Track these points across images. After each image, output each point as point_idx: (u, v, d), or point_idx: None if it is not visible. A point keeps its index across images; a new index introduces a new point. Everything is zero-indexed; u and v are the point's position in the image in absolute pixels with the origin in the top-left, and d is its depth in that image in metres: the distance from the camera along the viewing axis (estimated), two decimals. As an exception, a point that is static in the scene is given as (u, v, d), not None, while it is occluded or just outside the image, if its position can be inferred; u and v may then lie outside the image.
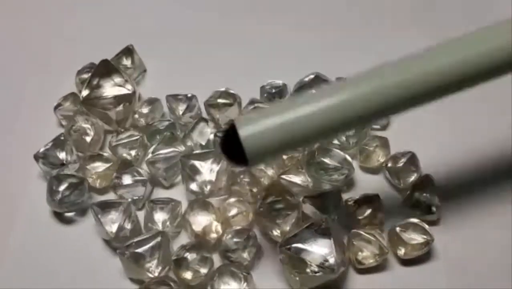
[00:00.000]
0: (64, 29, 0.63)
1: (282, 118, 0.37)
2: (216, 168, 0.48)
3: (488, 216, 0.49)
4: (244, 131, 0.37)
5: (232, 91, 0.54)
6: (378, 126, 0.54)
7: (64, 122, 0.53)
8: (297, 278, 0.43)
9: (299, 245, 0.43)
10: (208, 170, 0.48)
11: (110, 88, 0.51)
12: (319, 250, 0.43)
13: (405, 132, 0.54)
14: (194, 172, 0.48)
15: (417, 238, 0.46)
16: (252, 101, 0.53)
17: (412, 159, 0.50)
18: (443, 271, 0.46)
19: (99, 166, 0.50)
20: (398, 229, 0.46)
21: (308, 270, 0.42)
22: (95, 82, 0.51)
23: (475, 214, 0.49)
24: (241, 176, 0.48)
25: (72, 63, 0.57)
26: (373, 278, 0.46)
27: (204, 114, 0.54)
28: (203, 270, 0.44)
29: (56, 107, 0.53)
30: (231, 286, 0.43)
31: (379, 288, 0.45)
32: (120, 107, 0.51)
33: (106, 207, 0.47)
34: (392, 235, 0.46)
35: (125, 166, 0.50)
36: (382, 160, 0.51)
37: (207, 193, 0.48)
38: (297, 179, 0.48)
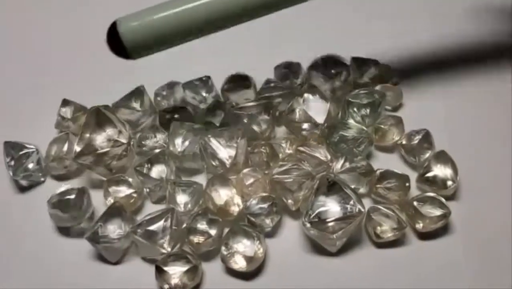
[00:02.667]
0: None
1: (159, 14, 0.43)
2: (234, 144, 0.48)
3: (504, 189, 0.48)
4: (122, 27, 0.43)
5: (246, 74, 0.54)
6: (390, 108, 0.54)
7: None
8: (330, 240, 0.44)
9: (320, 210, 0.43)
10: (226, 146, 0.48)
11: (103, 143, 0.48)
12: (336, 205, 0.43)
13: (419, 112, 0.54)
14: (213, 149, 0.48)
15: (434, 211, 0.45)
16: (268, 81, 0.53)
17: (426, 136, 0.50)
18: (460, 244, 0.45)
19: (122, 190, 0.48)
20: (415, 203, 0.46)
21: (333, 228, 0.43)
22: (86, 136, 0.48)
23: (490, 188, 0.48)
24: (261, 148, 0.49)
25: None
26: (392, 252, 0.45)
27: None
28: (212, 231, 0.44)
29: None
30: (244, 244, 0.44)
31: (398, 261, 0.45)
32: (115, 162, 0.49)
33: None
34: (409, 209, 0.46)
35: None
36: (397, 138, 0.51)
37: (228, 167, 0.47)
38: (316, 153, 0.48)
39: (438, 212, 0.45)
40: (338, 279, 0.44)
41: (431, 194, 0.46)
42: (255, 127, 0.50)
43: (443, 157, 0.48)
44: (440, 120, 0.53)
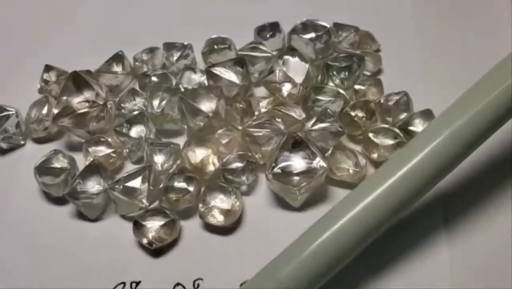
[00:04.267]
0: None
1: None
2: (214, 97, 0.48)
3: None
4: None
5: (225, 36, 0.55)
6: (369, 73, 0.54)
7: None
8: (293, 194, 0.44)
9: (283, 164, 0.44)
10: (206, 100, 0.48)
11: (81, 104, 0.48)
12: (301, 159, 0.44)
13: (398, 78, 0.54)
14: (194, 104, 0.48)
15: (388, 141, 0.47)
16: (252, 42, 0.54)
17: (405, 98, 0.50)
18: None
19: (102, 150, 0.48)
20: (370, 134, 0.47)
21: (296, 182, 0.43)
22: (64, 98, 0.48)
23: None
24: (237, 104, 0.49)
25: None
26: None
27: (201, 64, 0.55)
28: (190, 188, 0.44)
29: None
30: (221, 199, 0.44)
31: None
32: (94, 124, 0.49)
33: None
34: (366, 141, 0.48)
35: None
36: (376, 97, 0.51)
37: (211, 117, 0.47)
38: (291, 112, 0.48)
39: (392, 141, 0.47)
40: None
41: (385, 125, 0.48)
42: (232, 80, 0.50)
43: (428, 115, 0.49)
44: (419, 86, 0.53)
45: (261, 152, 0.47)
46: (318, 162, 0.44)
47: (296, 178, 0.44)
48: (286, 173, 0.44)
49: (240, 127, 0.48)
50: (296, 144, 0.44)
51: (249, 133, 0.47)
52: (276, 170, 0.44)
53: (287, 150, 0.44)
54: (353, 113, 0.48)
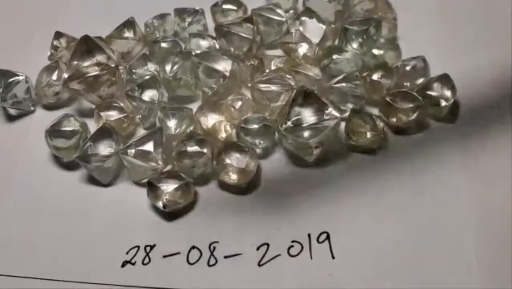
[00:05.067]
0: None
1: None
2: (228, 65, 0.47)
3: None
4: None
5: None
6: (384, 40, 0.53)
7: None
8: (307, 148, 0.43)
9: (296, 118, 0.43)
10: (221, 60, 0.47)
11: (92, 67, 0.47)
12: (313, 113, 0.43)
13: (416, 41, 0.52)
14: (209, 64, 0.47)
15: (406, 104, 0.46)
16: (270, 3, 0.53)
17: (422, 62, 0.49)
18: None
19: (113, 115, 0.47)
20: (388, 97, 0.46)
21: (309, 135, 0.42)
22: (75, 62, 0.47)
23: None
24: (249, 60, 0.48)
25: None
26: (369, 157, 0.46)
27: (211, 23, 0.54)
28: (204, 150, 0.43)
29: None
30: (236, 158, 0.43)
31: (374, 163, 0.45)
32: (105, 88, 0.48)
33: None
34: (383, 105, 0.46)
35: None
36: (394, 62, 0.50)
37: (228, 76, 0.46)
38: (310, 72, 0.47)
39: (410, 104, 0.45)
40: (323, 188, 0.44)
41: (403, 89, 0.46)
42: (242, 34, 0.49)
43: (445, 80, 0.47)
44: (436, 50, 0.51)
45: (270, 107, 0.45)
46: (330, 113, 0.43)
47: (309, 131, 0.43)
48: (299, 127, 0.43)
49: (249, 84, 0.47)
50: (307, 98, 0.43)
51: (258, 88, 0.46)
52: (289, 124, 0.43)
53: (298, 104, 0.43)
54: (372, 76, 0.47)
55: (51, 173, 0.46)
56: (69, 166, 0.46)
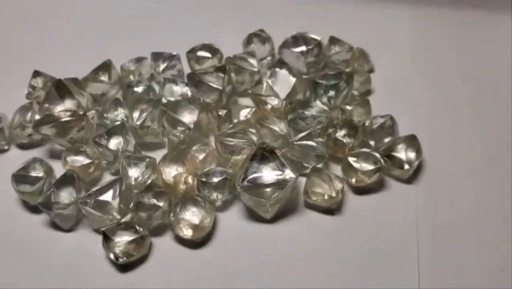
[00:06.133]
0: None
1: None
2: (195, 109, 0.48)
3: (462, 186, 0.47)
4: None
5: (214, 46, 0.54)
6: (357, 93, 0.53)
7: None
8: (263, 206, 0.44)
9: (253, 176, 0.43)
10: (188, 112, 0.48)
11: (61, 113, 0.48)
12: (271, 171, 0.43)
13: (388, 100, 0.53)
14: (175, 115, 0.48)
15: (367, 166, 0.46)
16: (244, 52, 0.54)
17: (390, 122, 0.49)
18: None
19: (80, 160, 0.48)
20: (350, 158, 0.46)
21: (266, 193, 0.43)
22: (46, 106, 0.48)
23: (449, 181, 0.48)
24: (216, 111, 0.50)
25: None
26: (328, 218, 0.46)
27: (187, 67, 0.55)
28: (160, 203, 0.44)
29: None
30: (192, 212, 0.44)
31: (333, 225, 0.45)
32: (74, 133, 0.48)
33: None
34: (345, 165, 0.46)
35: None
36: (362, 118, 0.50)
37: (192, 128, 0.47)
38: (275, 127, 0.48)
39: (371, 166, 0.45)
40: (277, 246, 0.44)
41: (366, 150, 0.47)
42: (212, 84, 0.50)
43: (411, 141, 0.47)
44: (408, 110, 0.52)
45: (232, 161, 0.46)
46: (288, 173, 0.43)
47: (266, 189, 0.43)
48: (256, 185, 0.43)
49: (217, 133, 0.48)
50: (266, 155, 0.44)
51: (222, 141, 0.46)
52: (246, 182, 0.43)
53: (256, 161, 0.44)
54: (336, 134, 0.47)
55: (17, 214, 0.47)
56: (35, 209, 0.47)
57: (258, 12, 0.61)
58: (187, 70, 0.55)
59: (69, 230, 0.46)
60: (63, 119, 0.48)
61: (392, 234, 0.44)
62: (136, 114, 0.49)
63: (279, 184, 0.43)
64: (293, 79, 0.50)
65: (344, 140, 0.47)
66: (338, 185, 0.45)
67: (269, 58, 0.55)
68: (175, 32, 0.60)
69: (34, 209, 0.47)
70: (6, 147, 0.51)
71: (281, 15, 0.61)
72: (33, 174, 0.46)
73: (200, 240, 0.44)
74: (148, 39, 0.59)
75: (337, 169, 0.48)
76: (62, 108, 0.48)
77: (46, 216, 0.46)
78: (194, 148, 0.47)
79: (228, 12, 0.62)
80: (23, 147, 0.51)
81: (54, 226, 0.46)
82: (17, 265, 0.44)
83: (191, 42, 0.55)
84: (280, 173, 0.43)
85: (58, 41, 0.60)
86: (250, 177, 0.43)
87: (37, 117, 0.48)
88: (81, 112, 0.48)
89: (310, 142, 0.46)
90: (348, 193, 0.47)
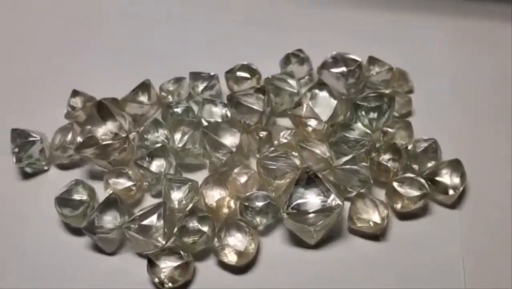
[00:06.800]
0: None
1: None
2: (237, 132, 0.48)
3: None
4: None
5: (253, 66, 0.54)
6: (398, 115, 0.53)
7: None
8: (308, 232, 0.44)
9: (298, 202, 0.43)
10: (229, 134, 0.48)
11: (104, 136, 0.48)
12: (316, 196, 0.43)
13: (429, 122, 0.52)
14: (217, 138, 0.48)
15: (413, 192, 0.45)
16: (282, 73, 0.54)
17: (433, 146, 0.48)
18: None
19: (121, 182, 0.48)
20: (395, 183, 0.46)
21: (311, 220, 0.43)
22: (88, 128, 0.48)
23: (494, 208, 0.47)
24: (257, 133, 0.49)
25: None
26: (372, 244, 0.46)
27: (225, 87, 0.55)
28: (204, 228, 0.44)
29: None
30: (237, 238, 0.44)
31: (378, 252, 0.45)
32: (116, 155, 0.48)
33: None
34: (390, 190, 0.46)
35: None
36: (404, 142, 0.49)
37: (235, 151, 0.47)
38: (316, 149, 0.47)
39: (416, 192, 0.45)
40: (321, 273, 0.44)
41: (411, 175, 0.46)
42: (253, 106, 0.49)
43: (456, 166, 0.47)
44: (449, 134, 0.51)
45: (275, 185, 0.46)
46: (333, 200, 0.43)
47: (311, 216, 0.43)
48: (301, 212, 0.43)
49: (258, 156, 0.48)
50: (310, 180, 0.43)
51: (264, 165, 0.46)
52: (291, 208, 0.43)
53: (301, 186, 0.43)
54: (380, 158, 0.47)
55: (59, 236, 0.47)
56: (77, 231, 0.47)
57: (294, 31, 0.61)
58: (225, 90, 0.55)
59: (112, 253, 0.46)
60: (105, 142, 0.48)
61: (436, 261, 0.44)
62: (177, 136, 0.49)
63: (325, 211, 0.43)
64: (334, 101, 0.49)
65: (389, 165, 0.46)
66: (384, 211, 0.45)
67: (306, 78, 0.55)
68: (213, 51, 0.60)
69: (77, 231, 0.47)
70: (46, 168, 0.51)
71: (316, 35, 0.60)
72: (77, 197, 0.46)
73: (243, 265, 0.44)
74: (184, 58, 0.58)
75: (379, 193, 0.47)
76: (104, 130, 0.48)
77: (89, 238, 0.46)
78: (235, 171, 0.47)
79: (263, 31, 0.61)
80: (62, 167, 0.51)
81: (97, 248, 0.46)
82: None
83: (227, 62, 0.55)
84: (325, 199, 0.43)
85: (95, 60, 0.60)
86: (295, 203, 0.43)
87: (79, 139, 0.48)
88: (123, 135, 0.48)
89: (355, 167, 0.46)
90: (392, 218, 0.46)
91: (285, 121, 0.52)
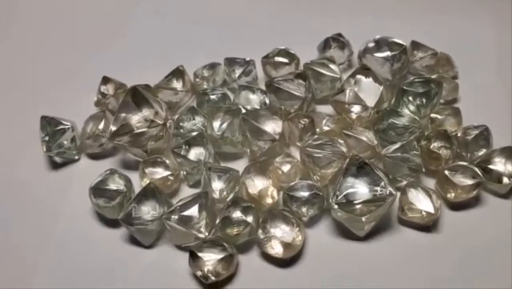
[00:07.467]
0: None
1: None
2: (278, 118, 0.45)
3: None
4: None
5: (291, 51, 0.52)
6: (443, 101, 0.50)
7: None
8: (358, 223, 0.41)
9: (348, 191, 0.40)
10: (271, 121, 0.45)
11: (139, 123, 0.46)
12: (367, 186, 0.40)
13: (477, 108, 0.50)
14: (258, 125, 0.45)
15: (466, 180, 0.43)
16: (323, 57, 0.52)
17: (485, 133, 0.46)
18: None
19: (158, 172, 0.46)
20: (447, 171, 0.43)
21: (362, 211, 0.40)
22: (122, 115, 0.46)
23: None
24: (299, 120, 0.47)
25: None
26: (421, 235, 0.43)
27: (261, 73, 0.52)
28: (249, 219, 0.42)
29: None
30: (283, 230, 0.41)
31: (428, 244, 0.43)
32: (152, 143, 0.46)
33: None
34: (441, 179, 0.44)
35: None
36: (453, 128, 0.47)
37: (278, 139, 0.45)
38: (363, 136, 0.45)
39: (470, 181, 0.43)
40: (371, 266, 0.42)
41: (464, 163, 0.44)
42: (294, 92, 0.47)
43: (509, 153, 0.45)
44: (499, 120, 0.49)
45: (320, 174, 0.44)
46: (386, 189, 0.40)
47: (362, 206, 0.40)
48: (351, 202, 0.40)
49: (299, 144, 0.46)
50: (360, 168, 0.41)
51: (308, 153, 0.44)
52: (340, 198, 0.40)
53: (350, 176, 0.41)
54: (431, 146, 0.44)
55: (92, 228, 0.45)
56: (111, 222, 0.45)
57: (328, 16, 0.59)
58: (260, 76, 0.52)
59: (149, 246, 0.44)
60: (141, 130, 0.45)
61: (489, 252, 0.42)
62: (216, 124, 0.46)
63: (377, 200, 0.40)
64: (380, 87, 0.47)
65: (440, 153, 0.44)
66: (438, 201, 0.42)
67: (346, 63, 0.53)
68: (248, 36, 0.57)
69: (111, 222, 0.45)
70: (77, 157, 0.49)
71: (352, 19, 0.58)
72: (113, 187, 0.44)
73: (289, 258, 0.42)
74: (217, 44, 0.56)
75: (427, 183, 0.45)
76: (139, 118, 0.46)
77: (124, 230, 0.44)
78: (277, 160, 0.45)
79: (297, 14, 0.59)
80: (93, 156, 0.49)
81: (133, 241, 0.44)
82: (93, 283, 0.42)
83: (261, 48, 0.53)
84: (376, 188, 0.40)
85: (125, 46, 0.58)
86: (344, 193, 0.41)
87: (113, 128, 0.46)
88: (160, 122, 0.46)
89: (406, 155, 0.43)
90: (443, 208, 0.44)
91: (325, 108, 0.50)
